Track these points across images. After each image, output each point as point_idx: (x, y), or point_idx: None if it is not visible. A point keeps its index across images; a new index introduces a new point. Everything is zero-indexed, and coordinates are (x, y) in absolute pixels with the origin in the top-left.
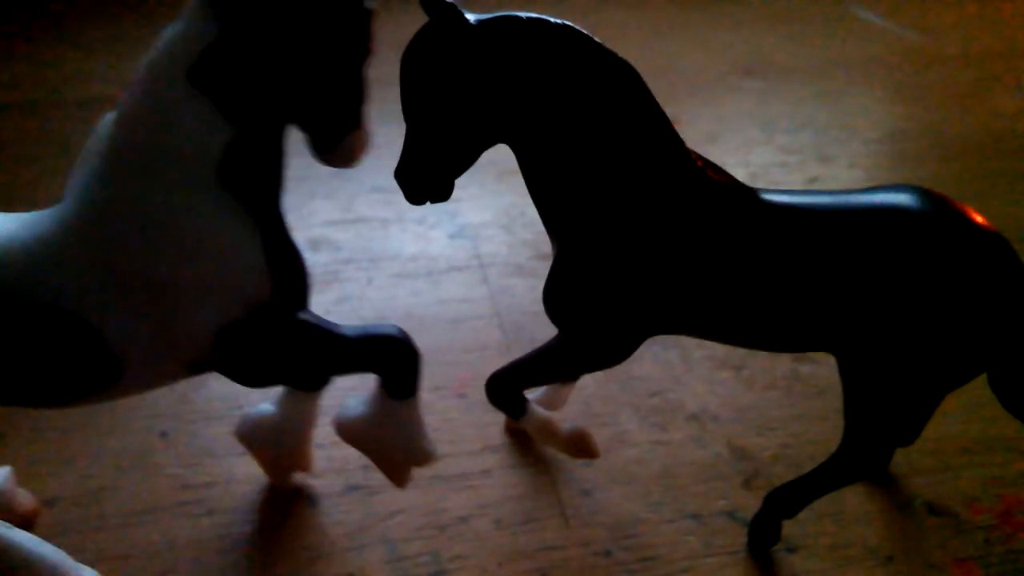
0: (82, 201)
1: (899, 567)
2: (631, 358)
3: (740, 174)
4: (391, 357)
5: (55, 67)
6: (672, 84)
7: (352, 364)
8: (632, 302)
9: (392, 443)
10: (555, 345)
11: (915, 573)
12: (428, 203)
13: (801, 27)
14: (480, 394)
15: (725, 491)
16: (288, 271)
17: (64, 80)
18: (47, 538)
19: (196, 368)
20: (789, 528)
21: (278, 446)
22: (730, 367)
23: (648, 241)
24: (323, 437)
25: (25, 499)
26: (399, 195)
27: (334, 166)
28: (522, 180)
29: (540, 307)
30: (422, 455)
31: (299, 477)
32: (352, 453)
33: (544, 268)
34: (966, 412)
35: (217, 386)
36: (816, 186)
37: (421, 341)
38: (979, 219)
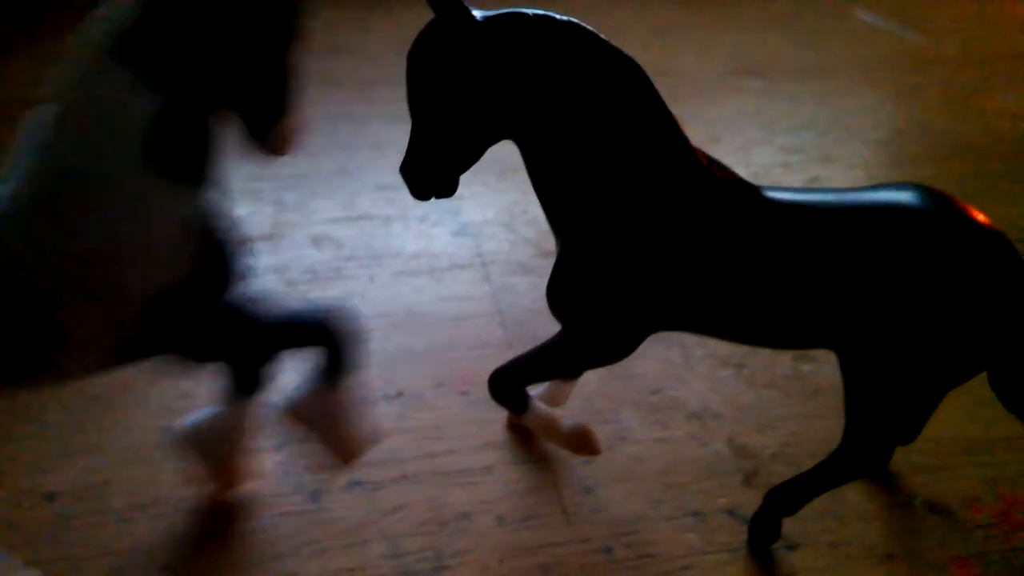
0: (28, 172)
1: (898, 565)
2: (633, 356)
3: (742, 174)
4: (322, 337)
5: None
6: (674, 84)
7: (278, 344)
8: (636, 298)
9: (333, 423)
10: (558, 341)
11: (914, 571)
12: (433, 199)
13: (803, 28)
14: (482, 391)
15: (726, 489)
16: (212, 250)
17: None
18: (47, 533)
19: (132, 349)
20: (789, 525)
21: (213, 454)
22: (731, 365)
23: (652, 238)
24: None
25: None
26: (402, 192)
27: (265, 155)
28: (525, 178)
29: (542, 305)
30: (359, 440)
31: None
32: None
33: (546, 266)
34: (967, 411)
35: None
36: (817, 186)
37: (423, 338)
38: (981, 217)
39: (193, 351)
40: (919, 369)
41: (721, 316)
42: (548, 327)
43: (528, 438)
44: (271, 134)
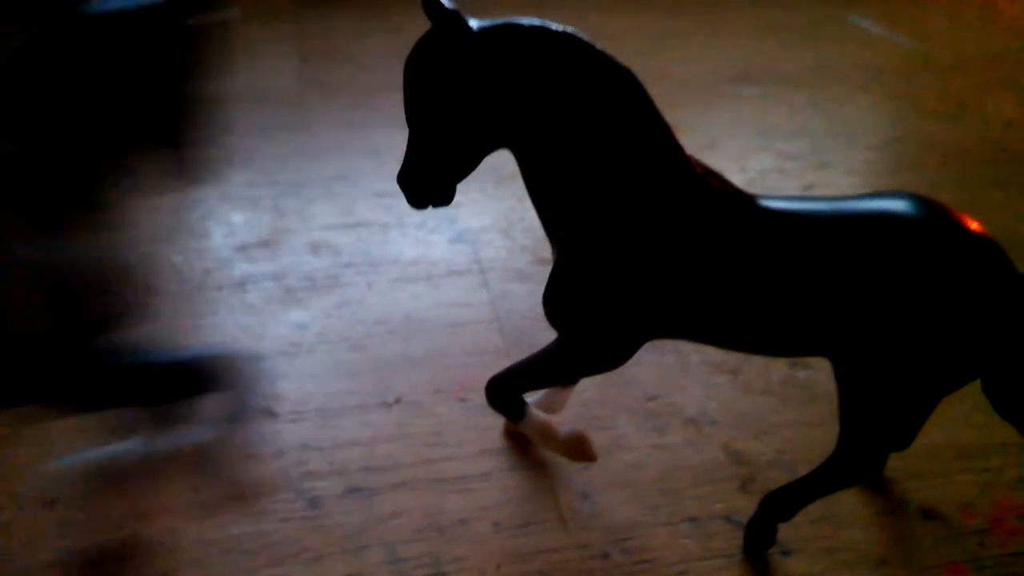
0: None
1: (892, 570)
2: (629, 363)
3: (738, 180)
4: (205, 384)
5: None
6: (670, 91)
7: (155, 394)
8: (631, 306)
9: (222, 469)
10: (554, 349)
11: None
12: (430, 208)
13: (799, 35)
14: (479, 397)
15: (722, 495)
16: (74, 300)
17: None
18: (47, 539)
19: None
20: (784, 531)
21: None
22: (727, 371)
23: (647, 246)
24: (320, 440)
25: None
26: (400, 200)
27: (173, 186)
28: (522, 185)
29: (539, 312)
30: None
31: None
32: (352, 455)
33: (543, 273)
34: (961, 418)
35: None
36: (813, 192)
37: (421, 345)
38: (974, 226)
39: (58, 401)
40: (912, 377)
41: (716, 324)
42: (546, 334)
43: (525, 445)
44: (175, 163)
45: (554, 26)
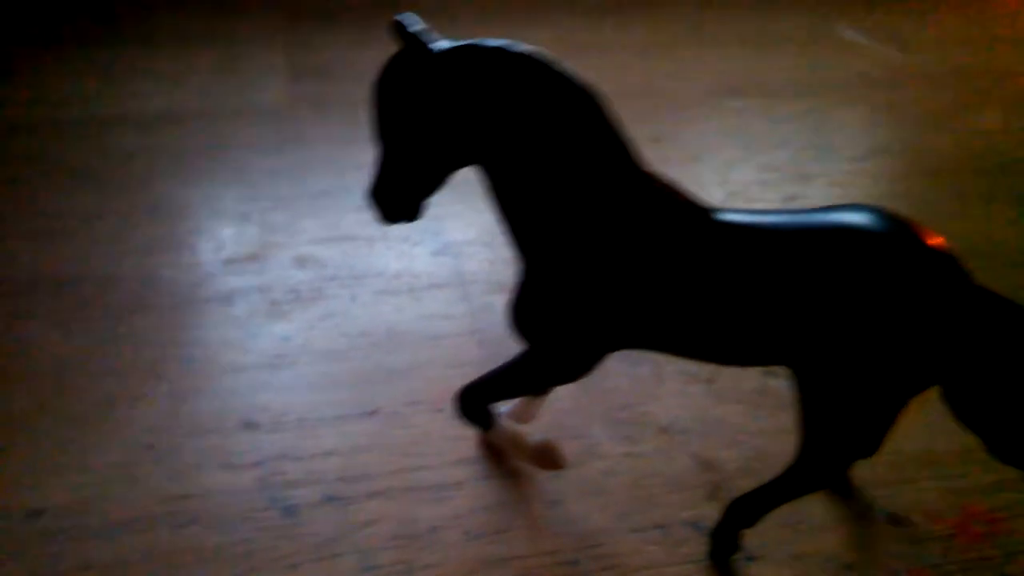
0: None
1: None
2: (604, 373)
3: (719, 193)
4: None
5: (49, 88)
6: (656, 104)
7: None
8: (594, 318)
9: None
10: (520, 360)
11: None
12: (399, 223)
13: (786, 46)
14: None
15: (690, 502)
16: None
17: (58, 102)
18: (30, 548)
19: None
20: (750, 537)
21: None
22: (701, 381)
23: (608, 259)
24: (299, 450)
25: None
26: None
27: None
28: None
29: None
30: None
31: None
32: (330, 465)
33: None
34: (930, 425)
35: (204, 401)
36: (795, 204)
37: (401, 357)
38: (931, 238)
39: None
40: (868, 386)
41: (677, 335)
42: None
43: (500, 454)
44: None
45: (516, 46)
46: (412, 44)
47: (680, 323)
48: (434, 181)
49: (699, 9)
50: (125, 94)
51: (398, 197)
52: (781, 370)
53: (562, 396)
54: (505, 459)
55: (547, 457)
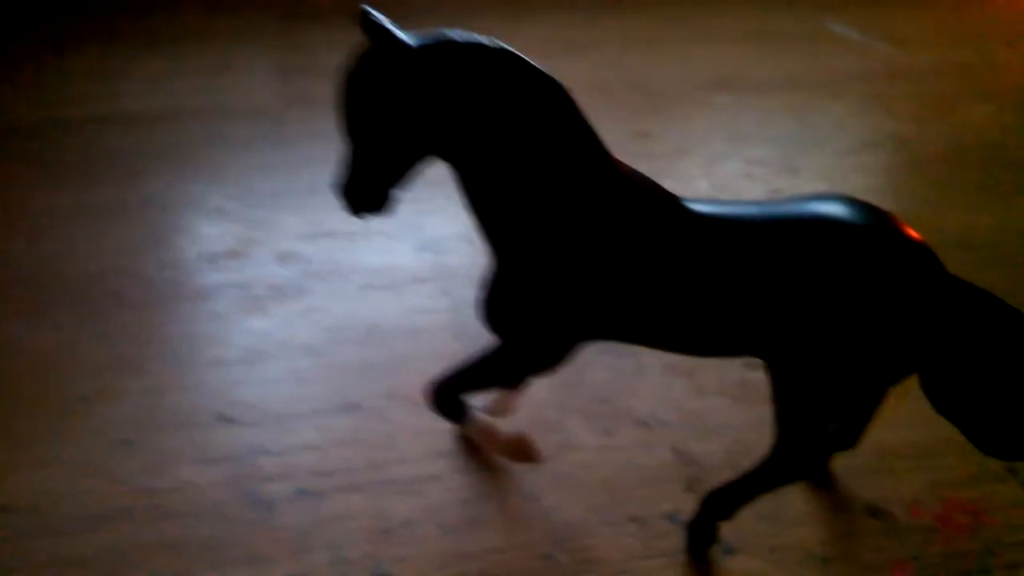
0: None
1: (836, 568)
2: (583, 366)
3: (705, 186)
4: None
5: (34, 87)
6: (643, 98)
7: None
8: (564, 309)
9: None
10: (491, 352)
11: (852, 574)
12: (367, 216)
13: (775, 42)
14: None
15: (668, 495)
16: None
17: (41, 101)
18: (3, 543)
19: None
20: (728, 530)
21: None
22: (681, 374)
23: (578, 250)
24: (274, 444)
25: None
26: None
27: None
28: None
29: None
30: None
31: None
32: (305, 459)
33: None
34: (911, 417)
35: (181, 396)
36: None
37: (381, 351)
38: (905, 229)
39: None
40: (842, 376)
41: (648, 326)
42: None
43: (477, 448)
44: None
45: (485, 40)
46: (384, 39)
47: (650, 314)
48: (401, 173)
49: (687, 4)
50: (110, 93)
51: (366, 189)
52: (760, 362)
53: (540, 389)
54: (481, 453)
55: (521, 451)
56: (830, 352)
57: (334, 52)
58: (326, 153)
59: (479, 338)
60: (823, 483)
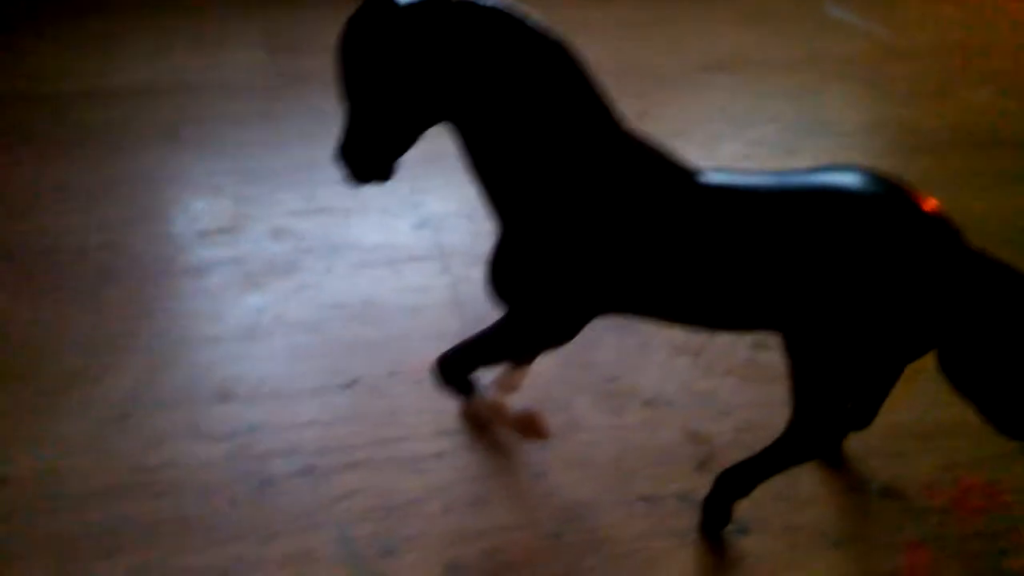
0: None
1: (851, 549)
2: (590, 345)
3: (704, 166)
4: None
5: (22, 62)
6: (642, 79)
7: None
8: (574, 278)
9: None
10: (500, 325)
11: (867, 555)
12: (369, 184)
13: (774, 24)
14: None
15: (678, 475)
16: None
17: (30, 75)
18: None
19: None
20: (742, 509)
21: None
22: (689, 353)
23: (586, 216)
24: (277, 421)
25: None
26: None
27: None
28: None
29: None
30: None
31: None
32: (306, 437)
33: None
34: (924, 398)
35: (177, 373)
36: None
37: (379, 328)
38: (926, 200)
39: None
40: (861, 350)
41: (660, 298)
42: None
43: (482, 425)
44: None
45: (480, 1)
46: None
47: (663, 286)
48: (404, 140)
49: None
50: (100, 68)
51: (368, 156)
52: (770, 342)
53: (547, 368)
54: (487, 430)
55: (530, 426)
56: (848, 325)
57: (327, 28)
58: (319, 129)
59: (480, 316)
60: (836, 463)
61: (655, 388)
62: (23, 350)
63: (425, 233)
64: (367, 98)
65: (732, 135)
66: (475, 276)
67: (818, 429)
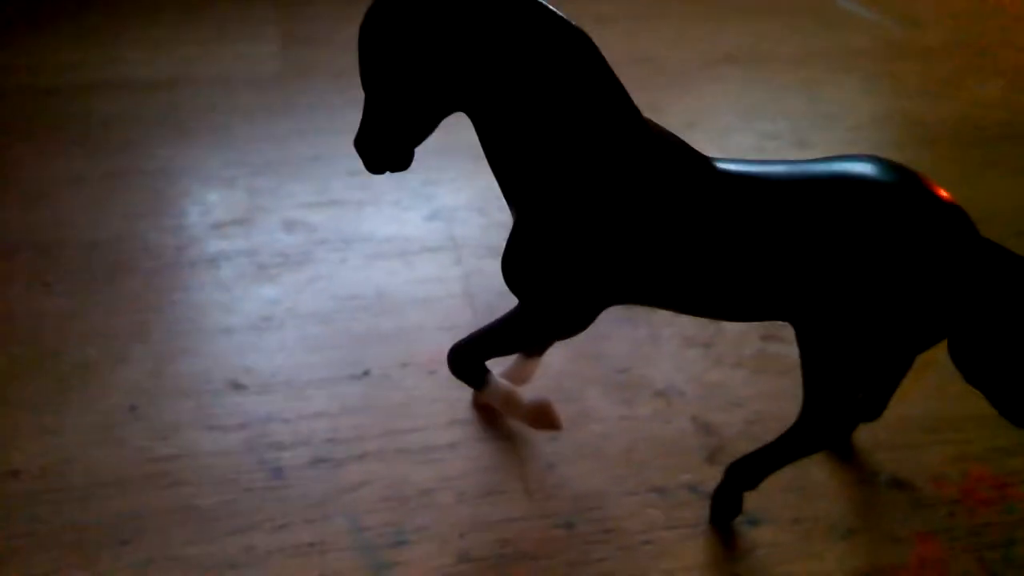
0: None
1: (860, 540)
2: (601, 336)
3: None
4: None
5: (36, 54)
6: (653, 72)
7: None
8: (590, 267)
9: None
10: (515, 314)
11: (876, 546)
12: (387, 172)
13: (786, 18)
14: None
15: (689, 466)
16: None
17: (44, 67)
18: (9, 510)
19: None
20: (752, 501)
21: None
22: (699, 345)
23: (604, 206)
24: (289, 411)
25: None
26: (376, 178)
27: None
28: None
29: None
30: None
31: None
32: (319, 427)
33: None
34: (933, 389)
35: (189, 363)
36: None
37: (392, 320)
38: (938, 190)
39: None
40: (873, 340)
41: (675, 287)
42: None
43: (494, 416)
44: None
45: None
46: None
47: (678, 275)
48: (423, 127)
49: None
50: (114, 60)
51: (386, 144)
52: (782, 334)
53: (558, 359)
54: (499, 421)
55: (543, 417)
56: (859, 314)
57: (339, 21)
58: (331, 122)
59: (493, 307)
60: (846, 455)
61: (666, 379)
62: (35, 341)
63: (437, 225)
64: (387, 86)
65: (742, 128)
66: (487, 267)
67: (829, 419)
